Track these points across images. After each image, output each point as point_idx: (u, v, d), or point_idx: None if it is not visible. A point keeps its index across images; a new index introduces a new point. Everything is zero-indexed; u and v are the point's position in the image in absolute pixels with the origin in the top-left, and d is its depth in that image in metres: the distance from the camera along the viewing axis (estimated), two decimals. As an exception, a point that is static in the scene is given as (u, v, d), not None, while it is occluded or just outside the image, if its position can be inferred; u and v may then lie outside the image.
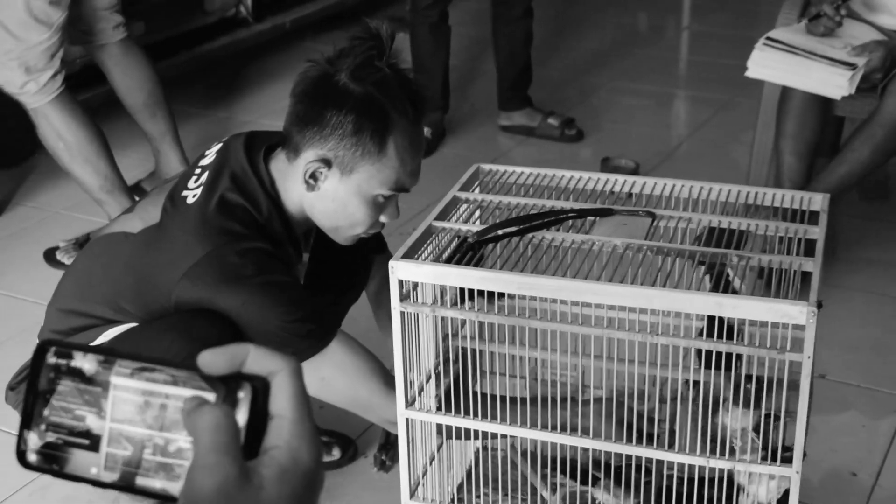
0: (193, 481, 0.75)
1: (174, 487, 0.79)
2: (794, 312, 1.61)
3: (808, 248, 1.84)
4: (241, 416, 0.78)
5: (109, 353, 0.81)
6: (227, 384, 0.79)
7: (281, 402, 0.79)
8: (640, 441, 1.78)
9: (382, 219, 2.11)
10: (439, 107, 4.34)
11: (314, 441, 0.79)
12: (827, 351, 2.89)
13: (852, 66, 3.17)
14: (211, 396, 0.79)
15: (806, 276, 1.74)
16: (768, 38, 3.32)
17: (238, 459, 0.75)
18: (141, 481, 0.80)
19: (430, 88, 4.27)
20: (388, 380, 2.06)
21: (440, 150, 4.23)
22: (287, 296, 2.00)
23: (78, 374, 0.81)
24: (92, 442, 0.81)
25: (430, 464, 1.98)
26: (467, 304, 1.82)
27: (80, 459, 0.81)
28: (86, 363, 0.81)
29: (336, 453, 2.51)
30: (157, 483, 0.80)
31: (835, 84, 3.16)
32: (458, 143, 4.34)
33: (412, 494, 1.94)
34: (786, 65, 3.25)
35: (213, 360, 0.80)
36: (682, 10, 6.37)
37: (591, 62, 5.33)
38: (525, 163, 3.94)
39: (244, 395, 0.79)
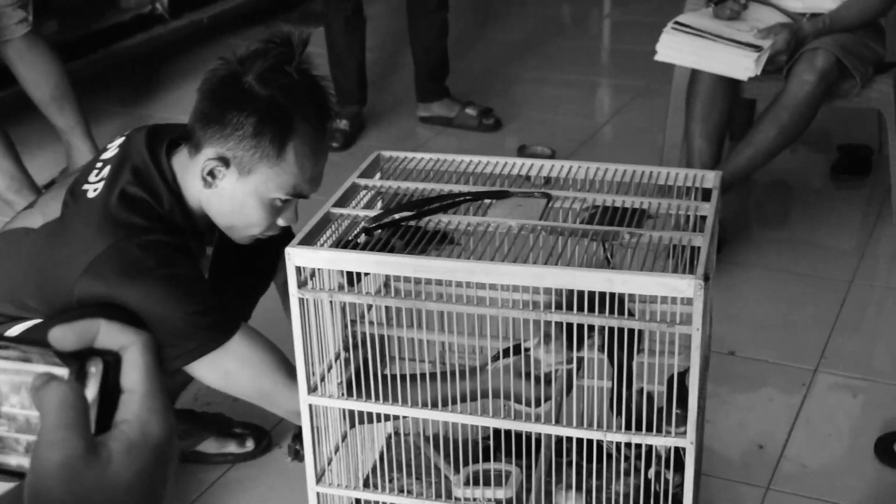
0: (39, 457, 0.75)
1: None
2: (682, 286, 1.64)
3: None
4: (91, 391, 0.79)
5: None
6: (81, 360, 0.80)
7: (132, 377, 0.79)
8: (538, 402, 1.81)
9: (280, 222, 2.12)
10: (356, 100, 4.35)
11: (165, 414, 0.80)
12: (736, 328, 2.95)
13: (758, 49, 3.22)
14: (63, 372, 0.80)
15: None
16: (676, 23, 3.37)
17: (85, 434, 0.76)
18: None
19: (346, 81, 4.29)
20: (291, 372, 2.07)
21: (359, 143, 4.25)
22: (189, 288, 2.01)
23: None
24: None
25: (336, 452, 1.99)
26: (356, 287, 1.83)
27: None
28: None
29: (250, 444, 2.52)
30: (12, 460, 0.80)
31: (741, 66, 3.21)
32: (377, 135, 4.35)
33: (318, 480, 1.96)
34: (693, 48, 3.29)
35: (64, 335, 0.80)
36: (604, 0, 6.42)
37: (511, 53, 5.35)
38: (443, 153, 3.96)
39: (95, 370, 0.79)
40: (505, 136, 4.36)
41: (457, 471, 1.99)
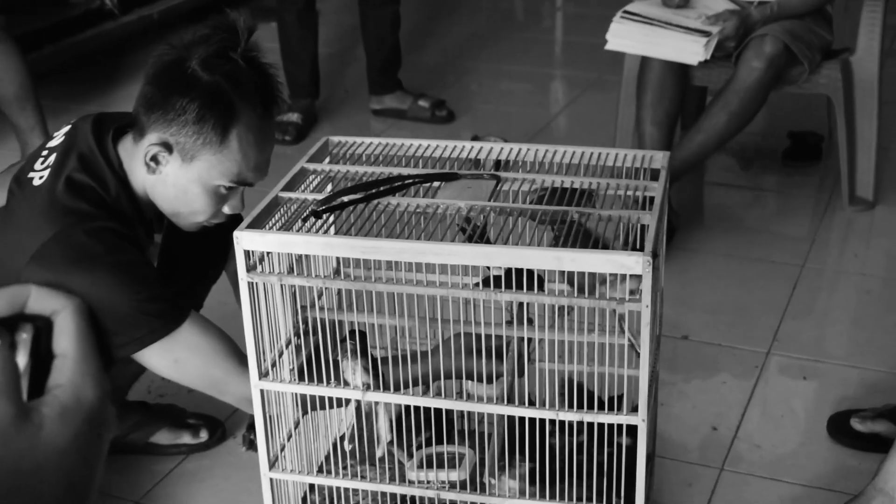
0: None
1: None
2: (630, 263, 1.64)
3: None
4: (22, 357, 0.78)
5: None
6: (11, 326, 0.79)
7: (64, 341, 0.78)
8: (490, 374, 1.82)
9: (225, 210, 2.10)
10: (309, 93, 4.34)
11: (99, 379, 0.79)
12: (689, 313, 2.96)
13: (707, 34, 3.24)
14: None
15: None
16: (625, 12, 3.39)
17: (15, 400, 0.75)
18: None
19: (299, 75, 4.28)
20: (242, 360, 2.06)
21: (311, 136, 4.23)
22: (137, 275, 1.99)
23: None
24: None
25: (289, 439, 1.99)
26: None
27: None
28: None
29: (204, 435, 2.50)
30: None
31: (691, 50, 3.22)
32: (330, 128, 4.34)
33: (271, 466, 1.95)
34: (643, 35, 3.31)
35: None
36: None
37: (465, 46, 5.36)
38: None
39: (26, 336, 0.78)
40: (458, 127, 4.36)
41: (410, 455, 1.98)
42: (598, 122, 4.28)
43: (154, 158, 2.01)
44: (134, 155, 2.05)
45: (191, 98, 1.96)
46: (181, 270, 2.23)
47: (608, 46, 3.36)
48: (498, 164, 2.07)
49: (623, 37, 3.33)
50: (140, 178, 2.05)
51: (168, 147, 2.00)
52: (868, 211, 3.56)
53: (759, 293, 3.11)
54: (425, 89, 4.52)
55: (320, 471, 2.03)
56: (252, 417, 2.46)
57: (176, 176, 2.02)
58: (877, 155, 3.54)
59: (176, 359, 2.03)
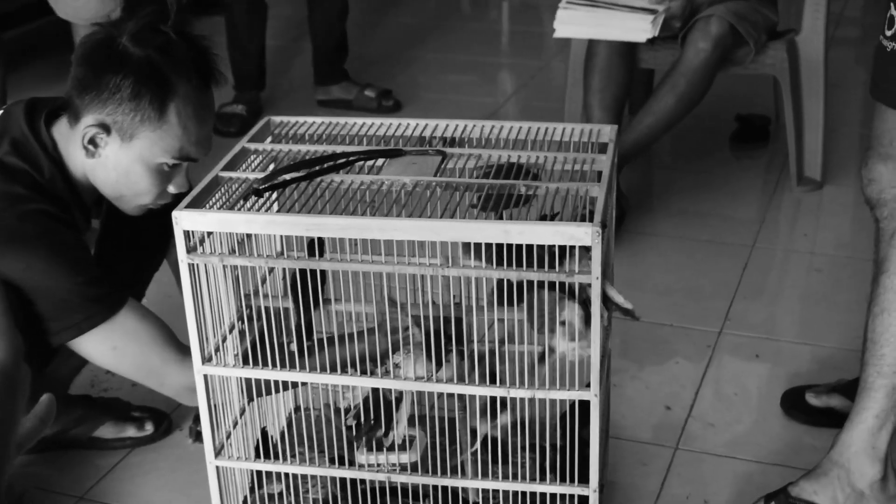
0: None
1: None
2: (579, 234, 1.61)
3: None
4: None
5: None
6: None
7: None
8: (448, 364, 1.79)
9: (171, 189, 2.05)
10: (255, 85, 4.29)
11: (10, 338, 0.75)
12: (641, 295, 2.94)
13: (653, 12, 3.22)
14: None
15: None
16: (570, -1, 3.36)
17: None
18: None
19: (245, 66, 4.23)
20: (181, 348, 2.02)
21: (257, 127, 4.18)
22: (74, 258, 1.94)
23: None
24: None
25: (235, 426, 1.94)
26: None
27: None
28: None
29: (149, 428, 2.44)
30: None
31: (639, 28, 3.20)
32: (276, 119, 4.29)
33: (217, 454, 1.90)
34: (590, 19, 3.28)
35: None
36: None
37: (411, 36, 5.33)
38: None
39: None
40: (405, 117, 4.29)
41: (359, 438, 1.94)
42: (545, 109, 4.27)
43: (92, 141, 1.95)
44: (70, 139, 2.00)
45: (124, 74, 1.91)
46: (121, 257, 2.17)
47: (557, 35, 3.33)
48: (443, 141, 2.04)
49: (570, 23, 3.30)
50: (79, 162, 2.00)
51: (105, 128, 1.94)
52: (816, 191, 3.56)
53: (710, 274, 3.09)
54: (372, 80, 4.48)
55: (267, 457, 1.97)
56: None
57: (117, 157, 1.97)
58: (824, 135, 3.54)
59: (114, 346, 1.98)
